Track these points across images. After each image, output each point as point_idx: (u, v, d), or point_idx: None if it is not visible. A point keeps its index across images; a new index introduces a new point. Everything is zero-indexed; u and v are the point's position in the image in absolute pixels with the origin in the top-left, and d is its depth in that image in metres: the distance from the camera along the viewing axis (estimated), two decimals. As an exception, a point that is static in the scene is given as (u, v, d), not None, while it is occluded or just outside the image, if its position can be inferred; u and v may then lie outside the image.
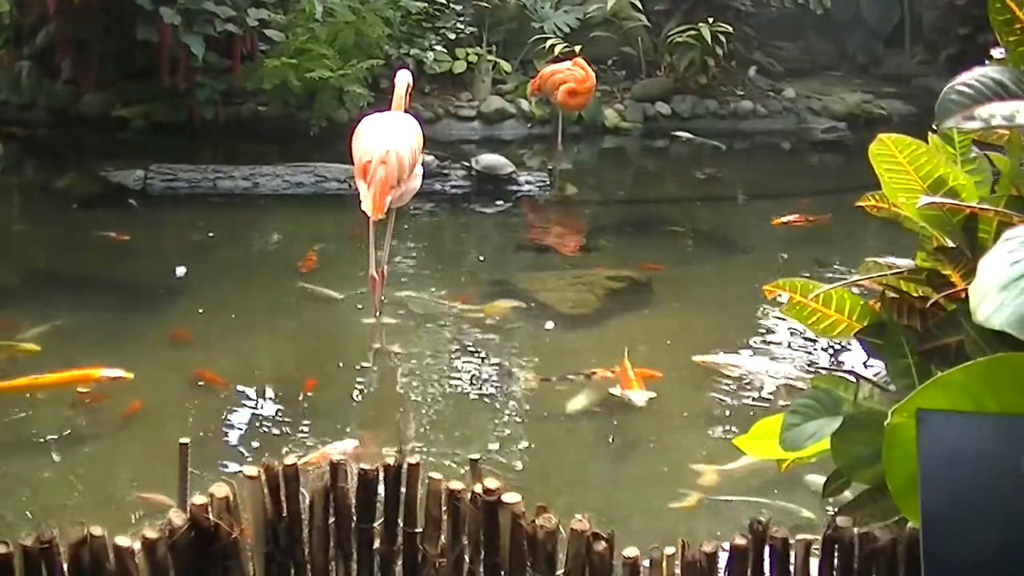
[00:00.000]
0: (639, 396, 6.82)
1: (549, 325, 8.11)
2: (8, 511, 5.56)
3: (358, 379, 7.39)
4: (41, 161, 13.35)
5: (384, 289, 8.16)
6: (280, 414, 6.79)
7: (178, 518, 2.96)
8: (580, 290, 8.71)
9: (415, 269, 9.55)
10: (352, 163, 7.96)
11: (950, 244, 3.25)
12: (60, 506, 5.65)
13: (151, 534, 2.92)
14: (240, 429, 6.64)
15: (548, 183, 12.38)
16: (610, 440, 6.68)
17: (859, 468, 3.15)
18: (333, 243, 10.16)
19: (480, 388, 7.23)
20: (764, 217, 11.04)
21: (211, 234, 10.50)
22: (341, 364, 7.58)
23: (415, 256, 9.97)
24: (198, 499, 2.97)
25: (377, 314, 8.05)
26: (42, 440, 6.38)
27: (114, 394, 6.74)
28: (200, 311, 8.19)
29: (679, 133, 14.99)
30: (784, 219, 10.44)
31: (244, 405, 6.89)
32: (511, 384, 7.29)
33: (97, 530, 2.91)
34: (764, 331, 8.07)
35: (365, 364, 7.62)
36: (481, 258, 10.10)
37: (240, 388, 7.07)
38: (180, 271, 9.18)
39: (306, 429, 6.54)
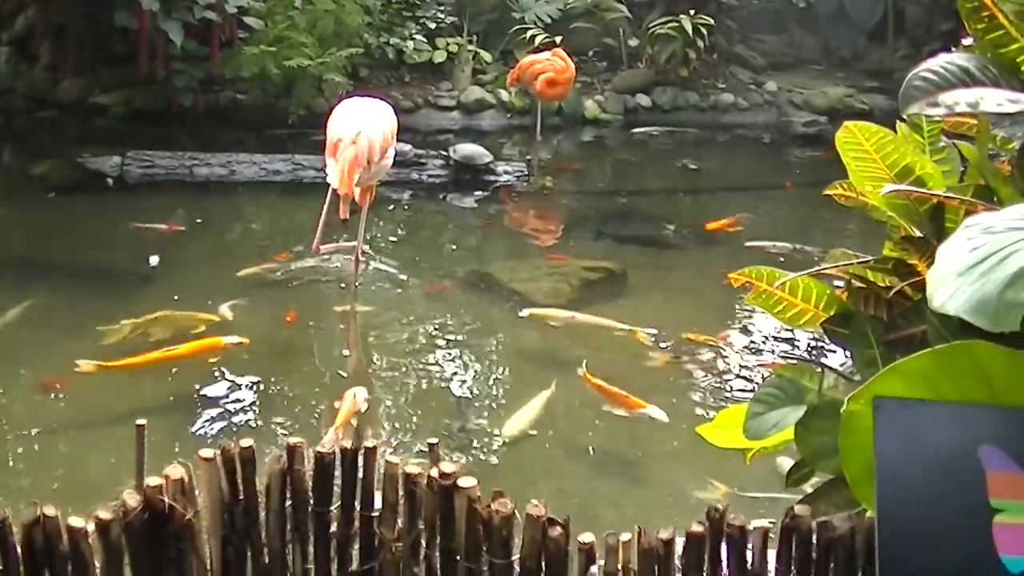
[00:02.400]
0: (658, 412, 6.40)
1: (524, 313, 8.08)
2: None
3: (334, 364, 7.39)
4: (18, 147, 13.28)
5: (358, 275, 8.32)
6: (252, 397, 6.76)
7: (132, 499, 2.93)
8: (556, 280, 8.69)
9: (390, 258, 9.51)
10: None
11: (917, 233, 3.23)
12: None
13: (105, 515, 2.90)
14: (213, 410, 6.61)
15: (526, 174, 12.38)
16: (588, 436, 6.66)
17: (822, 458, 3.13)
18: (309, 231, 10.12)
19: (450, 375, 7.22)
20: (743, 209, 11.03)
21: (198, 220, 10.45)
22: (315, 348, 7.57)
23: (390, 245, 9.94)
24: (152, 481, 2.95)
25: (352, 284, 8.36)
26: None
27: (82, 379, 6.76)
28: (176, 298, 8.11)
29: (641, 130, 15.00)
30: (716, 224, 10.33)
31: (218, 388, 6.86)
32: (485, 370, 7.29)
33: (50, 510, 2.88)
34: (738, 319, 8.08)
35: (345, 353, 7.65)
36: (454, 247, 10.06)
37: (213, 372, 7.03)
38: (153, 260, 9.13)
39: (278, 417, 6.55)
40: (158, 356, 6.96)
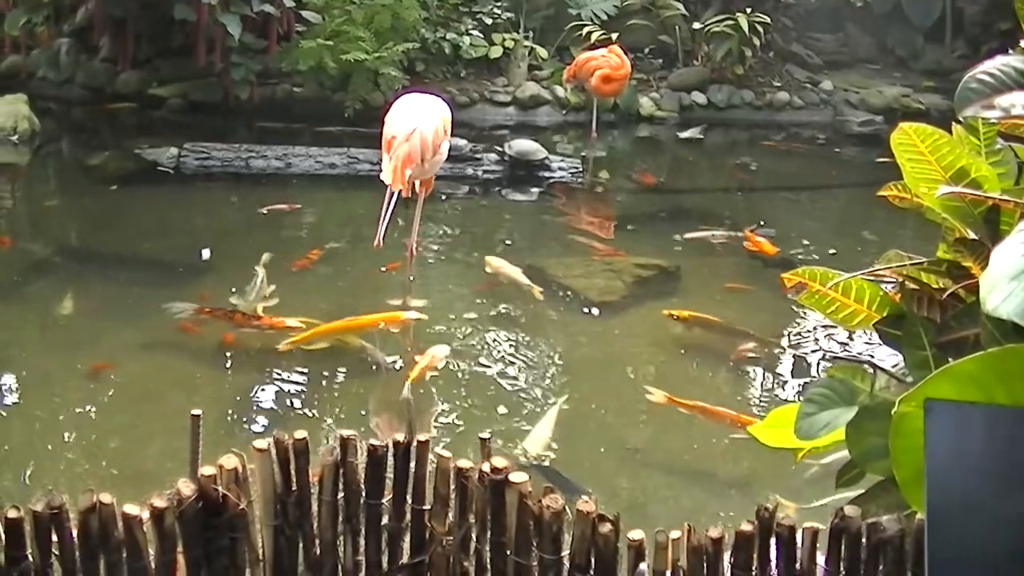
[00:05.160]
0: None
1: (595, 311, 8.10)
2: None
3: (388, 357, 7.42)
4: (77, 137, 13.44)
5: (412, 270, 8.42)
6: (304, 393, 6.79)
7: (186, 488, 2.97)
8: (609, 277, 8.69)
9: (444, 252, 9.55)
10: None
11: (971, 236, 3.21)
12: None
13: (159, 503, 2.94)
14: (264, 402, 6.66)
15: (581, 170, 12.39)
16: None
17: (873, 459, 3.12)
18: (365, 224, 10.14)
19: (503, 370, 7.22)
20: (797, 209, 10.96)
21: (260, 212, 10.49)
22: (368, 340, 7.59)
23: (445, 239, 9.96)
24: (207, 470, 2.98)
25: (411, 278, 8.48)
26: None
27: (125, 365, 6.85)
28: (233, 289, 8.13)
29: (686, 133, 14.92)
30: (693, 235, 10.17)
31: (272, 378, 6.90)
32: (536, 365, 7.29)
33: (106, 498, 2.93)
34: (790, 319, 8.06)
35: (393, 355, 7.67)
36: (508, 242, 10.06)
37: (265, 359, 7.08)
38: (205, 253, 9.18)
39: (328, 408, 6.58)
40: (343, 325, 7.24)
